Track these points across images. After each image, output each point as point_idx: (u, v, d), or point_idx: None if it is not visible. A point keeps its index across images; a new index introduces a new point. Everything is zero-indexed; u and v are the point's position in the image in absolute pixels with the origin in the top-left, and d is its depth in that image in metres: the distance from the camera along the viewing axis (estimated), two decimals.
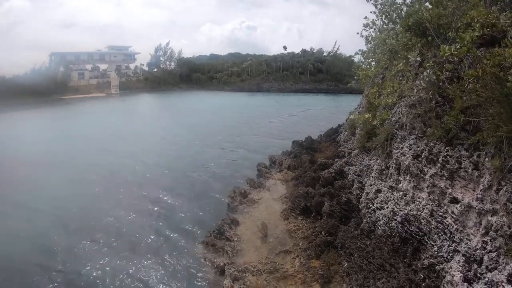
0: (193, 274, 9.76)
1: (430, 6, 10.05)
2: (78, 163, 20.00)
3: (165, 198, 15.32)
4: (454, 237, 6.94)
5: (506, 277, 5.22)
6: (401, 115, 10.40)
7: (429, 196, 7.97)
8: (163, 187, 16.42)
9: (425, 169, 8.24)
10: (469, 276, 6.11)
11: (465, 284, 6.08)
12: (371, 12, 16.85)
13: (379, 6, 15.64)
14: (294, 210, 12.91)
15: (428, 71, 8.02)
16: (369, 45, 20.32)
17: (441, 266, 7.06)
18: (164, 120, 38.87)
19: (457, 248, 6.74)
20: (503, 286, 5.21)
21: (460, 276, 6.23)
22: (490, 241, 5.82)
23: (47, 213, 13.45)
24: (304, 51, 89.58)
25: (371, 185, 11.28)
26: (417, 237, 8.12)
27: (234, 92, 73.25)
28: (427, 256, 7.56)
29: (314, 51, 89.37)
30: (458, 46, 7.10)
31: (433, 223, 7.65)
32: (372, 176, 11.52)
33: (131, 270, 9.94)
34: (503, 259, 5.46)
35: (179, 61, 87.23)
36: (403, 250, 8.29)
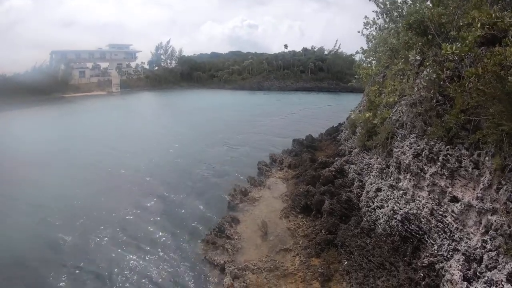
0: (194, 272, 9.86)
1: (431, 5, 10.02)
2: (80, 162, 20.10)
3: (167, 195, 15.44)
4: (454, 236, 6.95)
5: (505, 276, 5.23)
6: (401, 114, 10.39)
7: (429, 195, 7.98)
8: (165, 185, 16.53)
9: (426, 168, 8.25)
10: (468, 275, 6.12)
11: (465, 283, 6.09)
12: (373, 11, 16.76)
13: (380, 5, 15.56)
14: (294, 208, 12.94)
15: (428, 69, 8.01)
16: (370, 44, 20.24)
17: (441, 265, 7.08)
18: (165, 118, 38.88)
19: (457, 247, 6.75)
20: (502, 285, 5.23)
21: (460, 275, 6.25)
22: (490, 240, 5.83)
23: (52, 210, 13.59)
24: (305, 49, 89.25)
25: (371, 184, 11.29)
26: (417, 235, 8.13)
27: (235, 90, 73.16)
28: (427, 254, 7.58)
29: (315, 49, 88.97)
30: (460, 45, 7.09)
31: (433, 222, 7.67)
32: (372, 175, 11.53)
33: (134, 266, 10.17)
34: (502, 258, 5.47)
35: (180, 60, 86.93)
36: (403, 249, 8.31)
